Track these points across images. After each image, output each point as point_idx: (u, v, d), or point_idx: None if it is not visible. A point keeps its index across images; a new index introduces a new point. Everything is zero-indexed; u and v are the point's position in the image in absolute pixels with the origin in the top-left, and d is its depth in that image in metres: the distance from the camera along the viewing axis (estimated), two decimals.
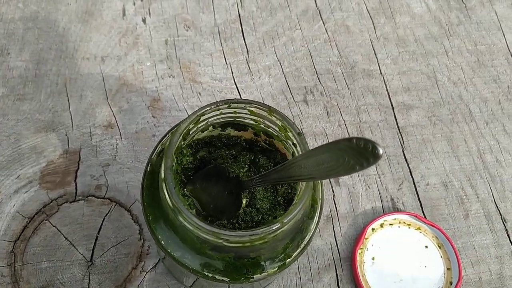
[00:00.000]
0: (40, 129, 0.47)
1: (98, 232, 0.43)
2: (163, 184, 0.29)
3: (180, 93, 0.50)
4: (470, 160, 0.50)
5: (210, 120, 0.32)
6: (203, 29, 0.53)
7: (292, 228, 0.30)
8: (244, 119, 0.33)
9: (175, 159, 0.32)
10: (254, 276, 0.30)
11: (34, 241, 0.42)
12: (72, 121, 0.48)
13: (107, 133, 0.47)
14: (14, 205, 0.44)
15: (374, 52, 0.54)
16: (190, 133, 0.32)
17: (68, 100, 0.48)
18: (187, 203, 0.32)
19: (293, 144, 0.31)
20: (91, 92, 0.49)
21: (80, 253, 0.43)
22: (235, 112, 0.32)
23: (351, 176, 0.48)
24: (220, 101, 0.31)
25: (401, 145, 0.50)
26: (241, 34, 0.54)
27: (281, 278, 0.43)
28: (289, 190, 0.35)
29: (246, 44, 0.53)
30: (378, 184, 0.48)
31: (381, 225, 0.46)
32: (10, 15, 0.52)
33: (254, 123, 0.33)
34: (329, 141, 0.49)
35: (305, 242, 0.32)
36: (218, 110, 0.31)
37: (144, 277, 0.42)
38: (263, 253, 0.30)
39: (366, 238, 0.45)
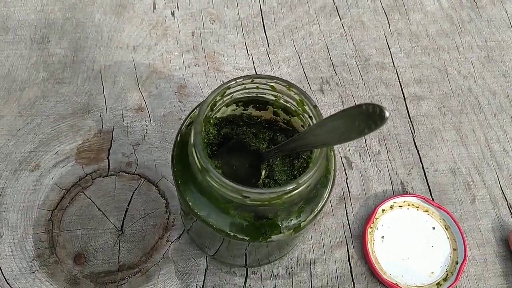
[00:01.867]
0: (77, 110, 0.51)
1: (128, 205, 0.47)
2: (193, 149, 0.32)
3: (204, 80, 0.54)
4: (478, 149, 0.52)
5: (234, 94, 0.35)
6: (227, 23, 0.57)
7: (306, 192, 0.33)
8: (265, 94, 0.36)
9: (203, 126, 0.35)
10: (272, 236, 0.34)
11: (70, 211, 0.46)
12: (106, 103, 0.52)
13: (138, 115, 0.51)
14: (52, 178, 0.48)
15: (388, 46, 0.57)
16: (217, 105, 0.35)
17: (102, 85, 0.53)
18: (214, 164, 0.35)
19: (309, 116, 0.34)
20: (123, 78, 0.53)
21: (111, 222, 0.46)
22: (257, 87, 0.35)
23: (363, 160, 0.51)
24: (245, 76, 0.34)
25: (412, 133, 0.53)
26: (263, 28, 0.57)
27: (296, 251, 0.46)
28: (305, 165, 0.38)
29: (267, 37, 0.57)
30: (389, 168, 0.51)
31: (391, 207, 0.48)
32: (50, 6, 0.56)
33: (274, 98, 0.36)
34: None
35: (318, 207, 0.35)
36: (242, 84, 0.34)
37: (169, 246, 0.46)
38: (280, 215, 0.34)
39: (377, 218, 0.48)
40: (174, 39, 0.56)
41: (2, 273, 0.44)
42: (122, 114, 0.51)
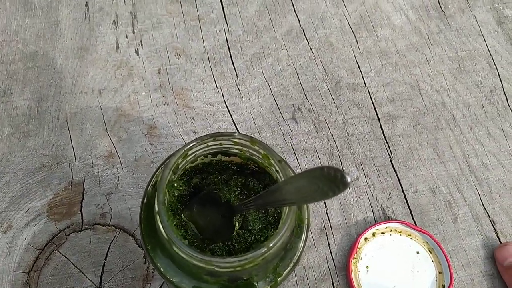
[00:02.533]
0: (45, 163, 0.50)
1: (105, 258, 0.46)
2: (157, 217, 0.31)
3: (175, 119, 0.53)
4: (456, 165, 0.52)
5: (198, 152, 0.34)
6: (193, 56, 0.56)
7: (279, 249, 0.32)
8: (230, 149, 0.35)
9: (167, 193, 0.34)
10: None
11: (46, 271, 0.45)
12: (74, 153, 0.50)
13: (109, 163, 0.50)
14: (25, 238, 0.46)
15: (358, 66, 0.56)
16: (180, 166, 0.34)
17: (69, 134, 0.51)
18: (180, 234, 0.34)
19: (276, 170, 0.33)
20: (91, 124, 0.52)
21: (89, 279, 0.45)
22: (220, 144, 0.34)
23: None
24: (205, 135, 0.33)
25: (389, 154, 0.52)
26: (230, 58, 0.56)
27: None
28: (279, 210, 0.37)
29: (235, 68, 0.56)
30: (369, 194, 0.50)
31: (373, 234, 0.48)
32: (11, 56, 0.55)
33: (240, 152, 0.35)
34: (319, 156, 0.51)
35: (294, 260, 0.34)
36: (204, 143, 0.33)
37: None
38: (255, 274, 0.33)
39: (360, 248, 0.47)
40: (140, 78, 0.55)
41: None
42: (92, 163, 0.50)
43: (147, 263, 0.46)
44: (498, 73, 0.57)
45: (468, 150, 0.52)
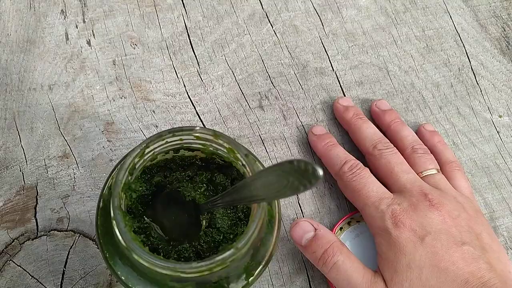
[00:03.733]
0: None
1: (65, 266, 0.43)
2: (113, 223, 0.28)
3: (133, 113, 0.49)
4: None
5: (156, 150, 0.32)
6: (150, 45, 0.53)
7: (250, 248, 0.30)
8: (192, 144, 0.32)
9: (124, 196, 0.31)
10: None
11: (0, 284, 0.42)
12: (25, 155, 0.47)
13: (63, 163, 0.47)
14: None
15: (325, 49, 0.54)
16: (137, 166, 0.31)
17: (19, 135, 0.47)
18: (140, 240, 0.31)
19: (242, 165, 0.31)
20: (42, 123, 0.48)
21: None
22: (181, 139, 0.32)
23: None
24: (164, 131, 0.30)
25: None
26: (190, 46, 0.53)
27: (254, 286, 0.44)
28: (249, 206, 0.35)
29: (196, 56, 0.53)
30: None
31: (348, 223, 0.46)
32: None
33: (203, 147, 0.33)
34: (288, 145, 0.49)
35: (266, 258, 0.32)
36: (163, 140, 0.31)
37: None
38: (225, 277, 0.31)
39: None
40: (94, 71, 0.51)
41: None
42: (46, 165, 0.46)
43: None
44: (465, 50, 0.56)
45: (439, 130, 0.51)
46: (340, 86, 0.53)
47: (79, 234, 0.44)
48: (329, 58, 0.54)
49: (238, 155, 0.31)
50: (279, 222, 0.33)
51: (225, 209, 0.35)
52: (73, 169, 0.47)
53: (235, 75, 0.52)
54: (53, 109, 0.49)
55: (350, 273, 0.39)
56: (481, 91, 0.54)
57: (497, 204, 0.49)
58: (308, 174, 0.23)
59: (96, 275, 0.43)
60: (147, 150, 0.31)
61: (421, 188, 0.42)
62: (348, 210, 0.47)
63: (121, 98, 0.50)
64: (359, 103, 0.52)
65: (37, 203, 0.45)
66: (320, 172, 0.23)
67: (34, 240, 0.44)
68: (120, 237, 0.28)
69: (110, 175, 0.33)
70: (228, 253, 0.27)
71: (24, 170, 0.46)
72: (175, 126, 0.44)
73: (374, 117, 0.50)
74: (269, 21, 0.55)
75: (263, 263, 0.32)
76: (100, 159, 0.47)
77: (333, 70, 0.53)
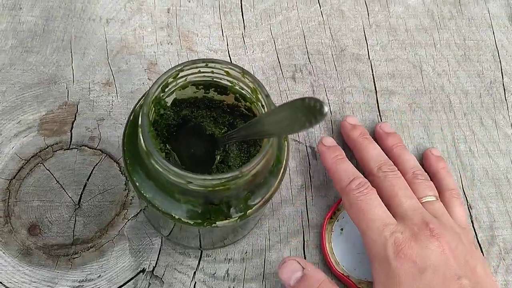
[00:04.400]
0: (43, 80, 0.50)
1: (88, 179, 0.47)
2: (139, 130, 0.32)
3: (176, 59, 0.53)
4: (443, 148, 0.52)
5: (189, 77, 0.35)
6: (204, 2, 0.56)
7: (253, 180, 0.33)
8: (221, 79, 0.36)
9: (153, 108, 0.35)
10: (217, 222, 0.34)
11: (28, 182, 0.46)
12: (73, 76, 0.51)
13: (105, 90, 0.51)
14: (13, 147, 0.47)
15: (365, 37, 0.57)
16: (169, 86, 0.34)
17: (71, 56, 0.52)
18: (159, 147, 0.35)
19: (262, 105, 0.34)
20: (94, 51, 0.52)
21: (69, 196, 0.46)
22: (212, 72, 0.35)
23: None
24: (198, 59, 0.34)
25: None
26: (240, 10, 0.56)
27: (252, 237, 0.47)
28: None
29: (243, 19, 0.56)
30: (353, 162, 0.51)
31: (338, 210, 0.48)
32: None
33: (230, 84, 0.36)
34: None
35: (266, 197, 0.35)
36: (196, 68, 0.34)
37: (125, 224, 0.46)
38: (226, 202, 0.34)
39: (338, 210, 0.48)
40: (149, 14, 0.55)
41: None
42: (89, 88, 0.51)
43: (127, 191, 0.47)
44: (501, 66, 0.57)
45: (458, 135, 0.53)
46: (373, 74, 0.55)
47: (105, 155, 0.48)
48: (367, 46, 0.56)
49: (260, 96, 0.33)
50: (284, 169, 0.36)
51: (239, 151, 0.38)
52: (112, 97, 0.51)
53: (275, 44, 0.55)
54: (106, 40, 0.53)
55: None
56: (507, 107, 0.55)
57: (499, 215, 0.50)
58: (315, 110, 0.26)
59: (113, 194, 0.47)
60: (181, 74, 0.34)
61: (423, 216, 0.41)
62: None
63: (168, 44, 0.54)
64: (386, 94, 0.54)
65: (75, 119, 0.49)
66: (326, 109, 0.26)
67: (66, 150, 0.48)
68: (142, 141, 0.31)
69: (143, 94, 0.37)
70: (232, 173, 0.30)
71: (70, 88, 0.50)
72: None
73: (377, 138, 0.50)
74: (318, 2, 0.58)
75: (262, 200, 0.35)
76: (138, 93, 0.51)
77: (369, 58, 0.56)
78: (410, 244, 0.39)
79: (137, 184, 0.34)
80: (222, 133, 0.39)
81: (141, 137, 0.31)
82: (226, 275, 0.45)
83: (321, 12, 0.57)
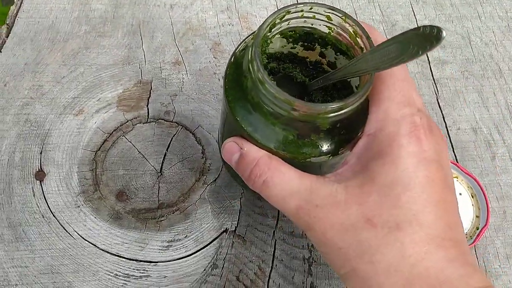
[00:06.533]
0: (117, 61, 0.53)
1: (167, 149, 0.50)
2: (252, 62, 0.33)
3: (238, 39, 0.56)
4: (498, 111, 0.55)
5: (291, 21, 0.37)
6: None
7: (348, 117, 0.35)
8: (320, 25, 0.37)
9: (262, 44, 0.37)
10: (311, 157, 0.35)
11: (112, 153, 0.49)
12: (145, 56, 0.54)
13: (175, 68, 0.54)
14: (95, 122, 0.50)
15: (414, 13, 0.60)
16: (275, 28, 0.36)
17: (141, 39, 0.55)
18: (269, 76, 0.37)
19: (360, 48, 0.36)
20: (161, 34, 0.56)
21: (151, 165, 0.49)
22: (314, 17, 0.37)
23: None
24: (303, 2, 0.36)
25: (436, 94, 0.55)
26: None
27: None
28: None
29: (297, 0, 0.59)
30: None
31: None
32: None
33: (328, 30, 0.38)
34: None
35: (355, 138, 0.37)
36: (301, 11, 0.36)
37: (205, 188, 0.48)
38: (321, 137, 0.35)
39: None
40: None
41: (49, 207, 0.46)
42: (160, 67, 0.54)
43: (204, 158, 0.49)
44: None
45: (510, 98, 0.55)
46: None
47: (181, 127, 0.51)
48: (416, 21, 0.59)
49: (359, 40, 0.35)
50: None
51: (324, 100, 0.40)
52: (182, 75, 0.54)
53: None
54: (171, 24, 0.56)
55: (282, 186, 0.33)
56: None
57: None
58: (432, 36, 0.26)
59: (192, 162, 0.49)
60: (286, 16, 0.36)
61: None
62: None
63: (229, 25, 0.57)
64: (439, 63, 0.57)
65: (150, 95, 0.52)
66: (444, 33, 0.26)
67: (145, 124, 0.51)
68: (255, 71, 0.33)
69: (243, 40, 0.39)
70: (338, 104, 0.32)
71: (143, 68, 0.53)
72: None
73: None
74: None
75: (352, 141, 0.37)
76: (206, 71, 0.54)
77: None
78: (426, 132, 0.33)
79: (238, 118, 0.36)
80: (315, 79, 0.41)
81: (253, 67, 0.33)
82: (303, 233, 0.47)
83: None
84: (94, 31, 0.55)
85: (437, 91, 0.55)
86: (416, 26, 0.58)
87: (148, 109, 0.51)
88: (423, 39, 0.28)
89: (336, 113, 0.33)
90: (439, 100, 0.55)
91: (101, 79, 0.52)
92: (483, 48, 0.58)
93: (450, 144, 0.53)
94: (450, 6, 0.61)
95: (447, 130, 0.53)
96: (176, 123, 0.51)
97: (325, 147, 0.36)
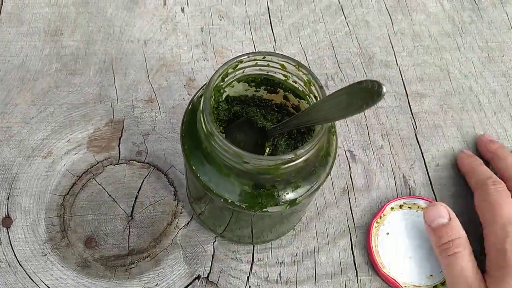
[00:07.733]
0: (88, 100, 0.52)
1: (138, 192, 0.48)
2: (201, 114, 0.33)
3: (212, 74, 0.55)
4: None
5: (246, 69, 0.36)
6: (235, 19, 0.59)
7: (304, 167, 0.34)
8: (275, 73, 0.37)
9: (213, 95, 0.36)
10: (267, 206, 0.34)
11: (81, 196, 0.48)
12: (117, 94, 0.53)
13: (148, 106, 0.53)
14: (64, 165, 0.49)
15: (392, 45, 0.59)
16: (228, 77, 0.36)
17: (114, 77, 0.54)
18: (219, 129, 0.36)
19: (315, 97, 0.35)
20: (134, 70, 0.55)
21: (121, 208, 0.48)
22: (268, 65, 0.36)
23: (366, 154, 0.52)
24: (256, 52, 0.35)
25: (414, 129, 0.54)
26: (270, 25, 0.59)
27: (301, 240, 0.48)
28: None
29: (273, 34, 0.59)
30: (392, 162, 0.52)
31: (400, 206, 0.49)
32: (64, 0, 0.58)
33: (284, 78, 0.37)
34: (347, 123, 0.53)
35: (315, 186, 0.36)
36: (254, 60, 0.35)
37: (177, 232, 0.47)
38: (277, 187, 0.34)
39: (384, 215, 0.49)
40: (184, 34, 0.57)
41: (15, 255, 0.45)
42: (133, 105, 0.53)
43: (176, 201, 0.48)
44: None
45: (491, 133, 0.55)
46: (402, 79, 0.57)
47: (153, 167, 0.50)
48: (394, 53, 0.58)
49: (313, 88, 0.35)
50: (333, 161, 0.37)
51: (287, 144, 0.39)
52: (155, 113, 0.53)
53: (306, 55, 0.57)
54: (145, 60, 0.55)
55: (465, 265, 0.42)
56: None
57: None
58: (374, 91, 0.27)
59: (163, 204, 0.48)
60: (240, 65, 0.35)
61: None
62: (396, 191, 0.51)
63: (204, 60, 0.56)
64: (418, 96, 0.56)
65: (122, 135, 0.51)
66: (384, 89, 0.26)
67: (116, 165, 0.49)
68: (203, 123, 0.32)
69: (201, 87, 0.38)
70: (287, 156, 0.31)
71: (115, 106, 0.52)
72: None
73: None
74: (343, 14, 0.61)
75: (312, 189, 0.35)
76: (180, 108, 0.53)
77: (397, 64, 0.58)
78: None
79: (194, 167, 0.35)
80: (273, 126, 0.40)
81: (202, 120, 0.33)
82: (278, 278, 0.46)
83: (347, 23, 0.60)
84: (65, 69, 0.54)
85: (416, 126, 0.54)
86: (394, 59, 0.58)
87: (119, 149, 0.50)
88: (367, 93, 0.28)
89: (288, 165, 0.32)
90: (417, 136, 0.54)
91: (72, 119, 0.51)
92: (462, 80, 0.58)
93: (429, 180, 0.52)
94: (428, 37, 0.60)
95: (426, 166, 0.52)
96: (148, 163, 0.50)
97: (281, 196, 0.35)
